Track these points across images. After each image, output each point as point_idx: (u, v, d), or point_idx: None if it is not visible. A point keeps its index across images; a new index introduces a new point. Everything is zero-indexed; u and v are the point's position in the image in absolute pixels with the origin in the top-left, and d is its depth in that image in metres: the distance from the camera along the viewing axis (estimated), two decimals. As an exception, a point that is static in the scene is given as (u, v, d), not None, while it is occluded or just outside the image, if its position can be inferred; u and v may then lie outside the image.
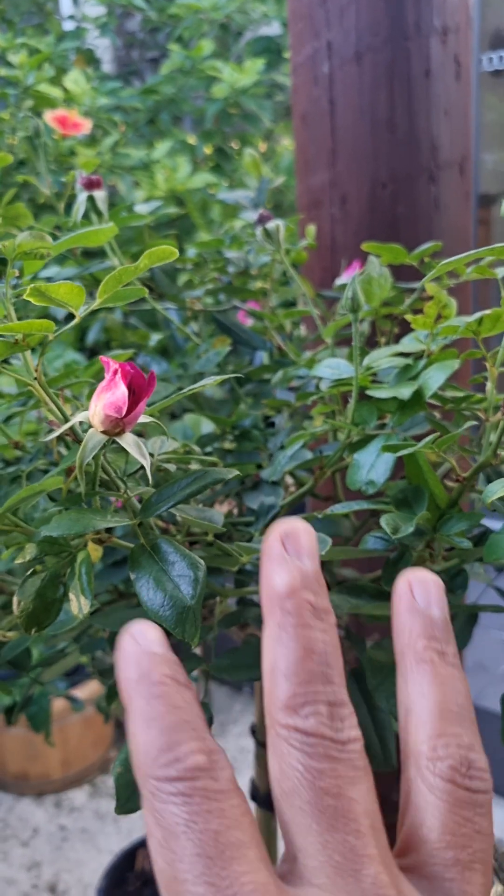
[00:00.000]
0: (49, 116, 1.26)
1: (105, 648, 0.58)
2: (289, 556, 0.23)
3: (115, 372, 0.33)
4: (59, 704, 1.49)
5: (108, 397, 0.33)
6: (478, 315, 0.43)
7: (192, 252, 0.78)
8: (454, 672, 0.23)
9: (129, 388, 0.33)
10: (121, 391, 0.33)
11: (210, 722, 1.20)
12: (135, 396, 0.34)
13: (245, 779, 1.55)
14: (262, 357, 0.74)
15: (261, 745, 0.70)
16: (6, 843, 1.49)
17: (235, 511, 0.62)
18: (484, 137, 2.23)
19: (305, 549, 0.23)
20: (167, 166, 1.53)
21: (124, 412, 0.33)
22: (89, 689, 1.47)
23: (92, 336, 0.75)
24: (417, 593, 0.25)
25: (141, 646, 0.22)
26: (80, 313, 0.37)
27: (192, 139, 1.77)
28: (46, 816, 1.55)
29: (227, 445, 0.63)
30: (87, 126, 1.32)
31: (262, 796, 0.71)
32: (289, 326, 0.79)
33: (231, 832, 0.18)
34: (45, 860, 1.44)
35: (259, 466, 0.59)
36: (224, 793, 0.19)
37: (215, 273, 0.76)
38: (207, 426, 0.68)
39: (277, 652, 0.21)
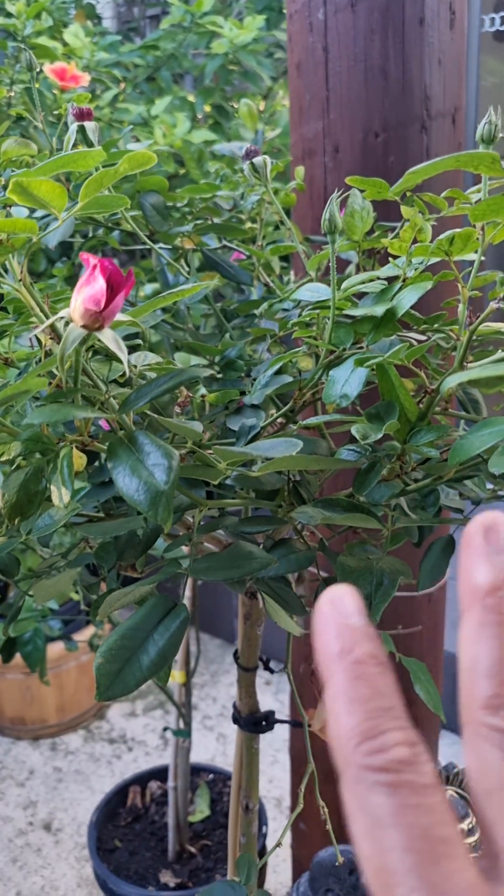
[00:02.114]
0: (48, 69, 1.27)
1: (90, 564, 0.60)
2: (491, 550, 0.22)
3: (95, 267, 0.35)
4: (55, 651, 1.52)
5: (88, 291, 0.35)
6: (448, 233, 0.45)
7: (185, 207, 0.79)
8: None
9: (108, 283, 0.35)
10: (99, 284, 0.35)
11: (196, 665, 1.20)
12: (112, 292, 0.36)
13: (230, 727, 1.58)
14: (252, 296, 0.76)
15: (243, 669, 0.72)
16: (3, 783, 1.53)
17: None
18: (483, 102, 2.22)
19: None
20: (166, 122, 1.53)
21: (103, 305, 0.35)
22: (84, 636, 1.50)
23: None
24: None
25: (340, 614, 0.21)
26: (62, 216, 0.38)
27: (191, 97, 1.76)
28: (42, 759, 1.59)
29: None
30: (85, 79, 1.32)
31: (244, 719, 0.74)
32: (278, 269, 0.80)
33: (440, 828, 0.18)
34: (40, 800, 1.49)
35: (243, 394, 0.61)
36: (429, 787, 0.19)
37: (207, 213, 0.77)
38: (196, 362, 0.70)
39: (478, 649, 0.21)
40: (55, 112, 1.21)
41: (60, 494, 0.39)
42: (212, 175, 1.10)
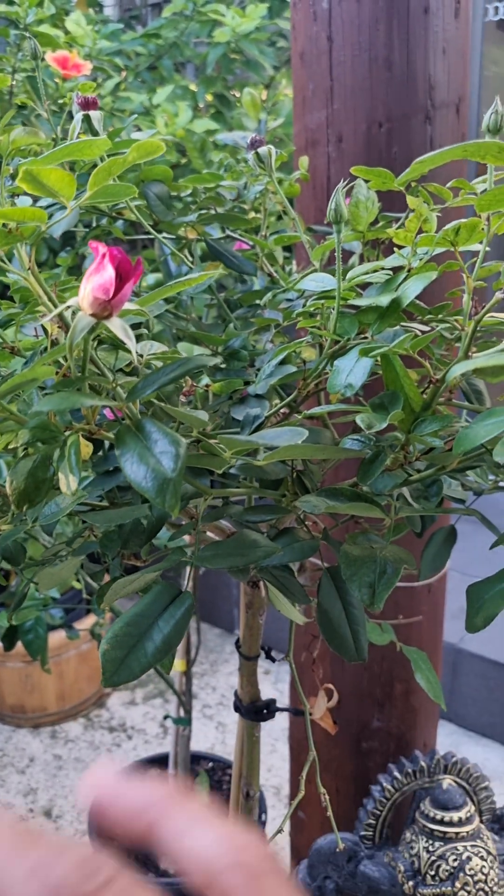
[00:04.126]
0: (50, 57, 1.26)
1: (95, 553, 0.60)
2: None
3: (104, 255, 0.35)
4: (55, 640, 1.53)
5: (97, 279, 0.35)
6: (454, 223, 0.45)
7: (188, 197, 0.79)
8: None
9: (117, 272, 0.35)
10: (108, 273, 0.35)
11: (196, 654, 1.21)
12: (121, 281, 0.36)
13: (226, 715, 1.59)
14: (255, 286, 0.76)
15: (244, 658, 0.73)
16: (3, 770, 1.54)
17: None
18: (486, 92, 2.21)
19: None
20: (168, 111, 1.52)
21: (111, 294, 0.35)
22: (85, 624, 1.51)
23: (88, 262, 0.77)
24: None
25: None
26: (71, 206, 0.38)
27: (193, 86, 1.76)
28: (42, 747, 1.60)
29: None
30: (87, 68, 1.32)
31: (245, 707, 0.74)
32: (281, 260, 0.80)
33: None
34: (40, 787, 1.50)
35: (247, 384, 0.61)
36: None
37: (210, 203, 0.77)
38: (199, 352, 0.70)
39: None
40: (58, 101, 1.20)
41: (68, 482, 0.39)
42: (214, 165, 1.10)
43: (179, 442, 0.37)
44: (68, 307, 0.38)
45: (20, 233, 0.38)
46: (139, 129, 1.54)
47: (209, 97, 1.74)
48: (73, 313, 0.39)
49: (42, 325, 0.57)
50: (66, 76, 1.36)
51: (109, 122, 1.52)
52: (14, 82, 1.37)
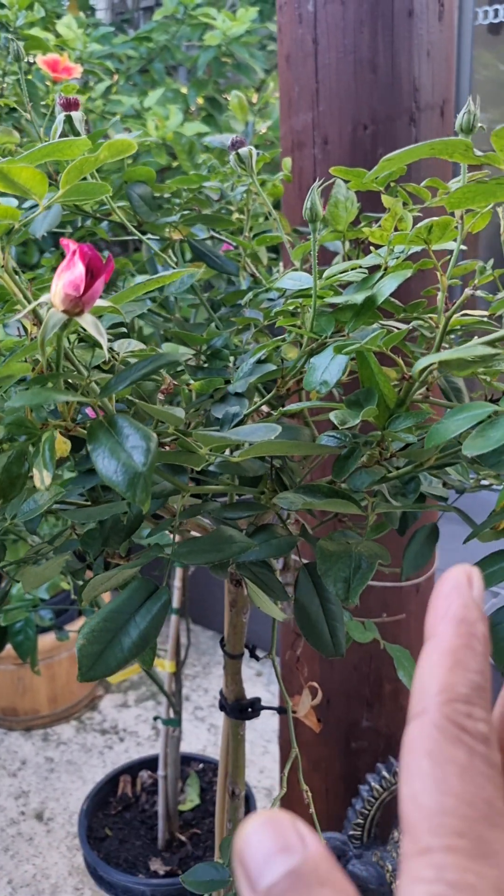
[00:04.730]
0: (40, 60, 1.26)
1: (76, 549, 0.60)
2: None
3: (74, 252, 0.36)
4: (47, 642, 1.53)
5: (68, 276, 0.36)
6: (426, 222, 0.45)
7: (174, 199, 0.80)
8: None
9: (88, 269, 0.36)
10: (79, 270, 0.35)
11: (186, 655, 1.21)
12: (92, 277, 0.36)
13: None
14: (241, 287, 0.76)
15: (229, 656, 0.73)
16: (-6, 773, 1.54)
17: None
18: (476, 95, 2.21)
19: None
20: (158, 114, 1.53)
21: (82, 290, 0.36)
22: (76, 626, 1.51)
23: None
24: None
25: (475, 592, 0.22)
26: (43, 203, 0.39)
27: (184, 89, 1.76)
28: (34, 749, 1.60)
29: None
30: (77, 71, 1.32)
31: (230, 706, 0.74)
32: (265, 260, 0.80)
33: (500, 804, 0.19)
34: (32, 790, 1.50)
35: (227, 382, 0.61)
36: (497, 768, 0.20)
37: (194, 203, 0.77)
38: (184, 352, 0.70)
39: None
40: (43, 103, 1.21)
41: (42, 477, 0.40)
42: (202, 167, 1.10)
43: (150, 437, 0.37)
44: (42, 304, 0.38)
45: (-7, 230, 0.38)
46: (129, 131, 1.54)
47: (200, 100, 1.75)
48: (49, 310, 0.40)
49: (21, 323, 0.57)
50: (57, 79, 1.36)
51: (100, 124, 1.52)
52: (4, 85, 1.37)
